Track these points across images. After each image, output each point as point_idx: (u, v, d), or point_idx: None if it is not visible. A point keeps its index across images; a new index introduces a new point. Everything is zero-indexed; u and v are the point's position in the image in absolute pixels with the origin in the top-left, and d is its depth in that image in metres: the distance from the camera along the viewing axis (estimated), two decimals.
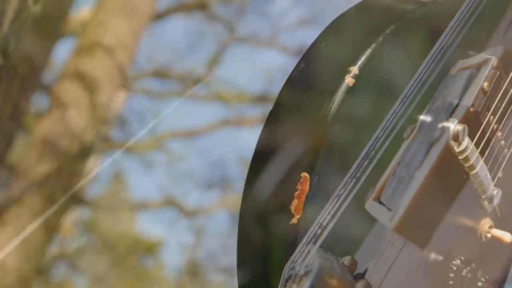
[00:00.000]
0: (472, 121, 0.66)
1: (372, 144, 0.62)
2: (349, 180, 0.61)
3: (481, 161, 0.67)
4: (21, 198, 2.28)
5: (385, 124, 0.63)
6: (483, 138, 0.67)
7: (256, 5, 3.18)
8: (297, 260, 0.59)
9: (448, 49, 0.64)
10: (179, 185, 3.00)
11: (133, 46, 2.45)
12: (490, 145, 0.68)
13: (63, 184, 2.33)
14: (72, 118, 2.31)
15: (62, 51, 2.40)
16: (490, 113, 0.67)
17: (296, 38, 3.22)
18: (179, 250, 3.05)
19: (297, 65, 0.68)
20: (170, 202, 2.95)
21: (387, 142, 0.62)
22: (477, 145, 0.67)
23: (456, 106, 0.57)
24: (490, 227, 0.70)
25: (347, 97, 0.62)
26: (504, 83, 0.68)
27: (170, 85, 3.15)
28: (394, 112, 0.63)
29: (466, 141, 0.65)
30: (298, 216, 0.58)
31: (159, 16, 2.92)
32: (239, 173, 3.02)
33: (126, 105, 2.79)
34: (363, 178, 0.61)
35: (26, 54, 2.21)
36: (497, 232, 0.70)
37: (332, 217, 0.62)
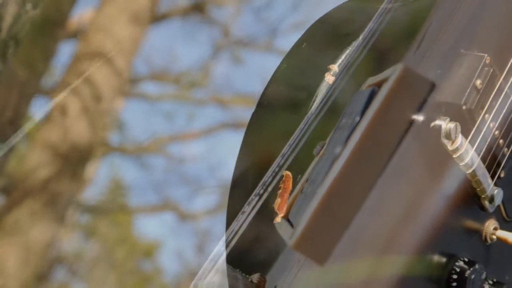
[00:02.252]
0: (466, 119, 0.66)
1: (278, 161, 0.63)
2: (253, 197, 0.62)
3: (478, 159, 0.66)
4: (21, 203, 2.28)
5: (292, 142, 0.63)
6: (479, 136, 0.67)
7: (252, 9, 3.18)
8: (202, 278, 0.60)
9: (352, 66, 0.64)
10: (177, 189, 3.00)
11: (133, 51, 2.45)
12: (487, 143, 0.67)
13: (63, 188, 2.33)
14: (71, 122, 2.31)
15: (62, 56, 2.39)
16: (484, 111, 0.67)
17: (293, 41, 3.22)
18: (177, 254, 3.04)
19: (279, 66, 0.68)
20: (168, 206, 2.95)
21: (290, 159, 0.63)
22: (472, 143, 0.66)
23: (358, 123, 0.57)
24: (495, 228, 0.70)
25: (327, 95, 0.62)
26: (498, 81, 0.68)
27: (168, 88, 3.15)
28: (300, 129, 0.63)
29: (460, 139, 0.64)
30: (282, 215, 0.58)
31: (156, 19, 2.92)
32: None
33: (124, 109, 2.79)
34: (265, 195, 0.62)
35: (25, 59, 2.21)
36: (503, 234, 0.69)
37: (236, 234, 0.63)
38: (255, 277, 0.65)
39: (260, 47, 3.22)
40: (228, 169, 3.11)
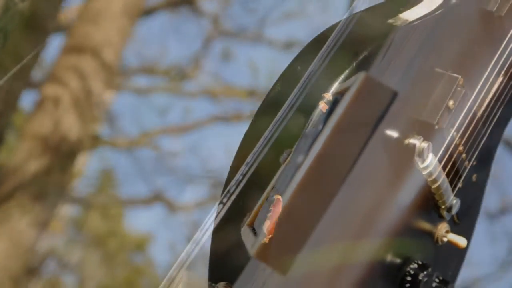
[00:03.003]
0: (436, 137, 0.69)
1: (243, 169, 0.64)
2: (218, 205, 0.63)
3: (443, 175, 0.70)
4: (11, 195, 2.28)
5: (256, 149, 0.64)
6: (446, 153, 0.70)
7: (241, 0, 3.18)
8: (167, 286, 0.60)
9: (315, 73, 0.65)
10: (168, 181, 3.00)
11: (121, 44, 2.45)
12: (453, 159, 0.71)
13: (53, 181, 2.33)
14: (61, 115, 2.31)
15: (51, 48, 2.39)
16: (454, 129, 0.70)
17: (283, 32, 3.23)
18: (168, 246, 3.05)
19: (273, 87, 0.69)
20: (159, 198, 2.95)
21: (254, 166, 0.64)
22: (440, 159, 0.69)
23: (320, 131, 0.58)
24: (447, 231, 0.73)
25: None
26: (468, 101, 0.71)
27: (157, 81, 3.15)
28: (265, 137, 0.64)
29: (430, 157, 0.67)
30: (270, 236, 0.58)
31: (145, 12, 2.92)
32: (228, 168, 3.03)
33: (114, 102, 2.79)
34: (229, 204, 0.63)
35: (14, 51, 2.20)
36: (453, 237, 0.73)
37: (198, 243, 0.63)
38: (221, 285, 0.66)
39: (250, 38, 3.22)
40: (218, 162, 3.11)
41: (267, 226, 0.57)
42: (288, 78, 0.67)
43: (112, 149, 2.89)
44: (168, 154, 2.98)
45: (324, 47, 0.66)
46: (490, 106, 0.73)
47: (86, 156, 2.71)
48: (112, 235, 2.90)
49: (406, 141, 0.66)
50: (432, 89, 0.70)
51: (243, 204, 0.66)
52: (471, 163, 0.74)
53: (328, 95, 0.64)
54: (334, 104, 0.60)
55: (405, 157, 0.67)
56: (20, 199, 2.31)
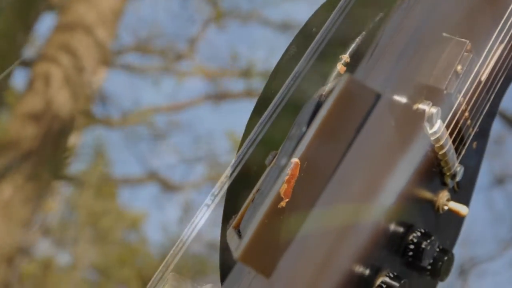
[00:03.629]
0: (444, 103, 0.69)
1: (230, 171, 0.64)
2: (204, 206, 0.63)
3: (450, 142, 0.70)
4: (3, 174, 2.28)
5: (242, 150, 0.64)
6: (454, 119, 0.70)
7: None
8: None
9: (303, 70, 0.65)
10: (162, 160, 3.00)
11: (114, 22, 2.44)
12: (459, 125, 0.71)
13: (45, 160, 2.33)
14: (53, 93, 2.31)
15: (43, 27, 2.38)
16: (461, 95, 0.70)
17: (280, 12, 3.22)
18: (163, 225, 3.05)
19: (287, 49, 0.68)
20: (153, 177, 2.95)
21: (239, 168, 0.64)
22: (447, 126, 0.69)
23: (304, 134, 0.58)
24: (448, 200, 0.73)
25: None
26: (475, 66, 0.71)
27: (152, 61, 3.14)
28: (250, 139, 0.64)
29: (439, 123, 0.67)
30: (287, 200, 0.58)
31: None
32: (224, 148, 3.02)
33: (107, 81, 2.78)
34: (213, 206, 0.63)
35: (5, 30, 2.20)
36: (454, 205, 0.73)
37: (184, 243, 0.63)
38: (207, 287, 0.66)
39: (246, 18, 3.21)
40: (213, 141, 3.11)
41: (284, 189, 0.58)
42: (302, 38, 0.66)
43: (105, 127, 2.88)
44: (162, 133, 2.98)
45: (312, 44, 0.65)
46: (493, 73, 0.73)
47: (79, 134, 2.71)
48: (106, 214, 2.90)
49: (415, 106, 0.66)
50: (440, 54, 0.69)
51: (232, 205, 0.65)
52: (474, 130, 0.74)
53: (346, 57, 0.64)
54: (318, 105, 0.60)
55: (413, 122, 0.67)
56: (13, 178, 2.31)
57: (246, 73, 3.12)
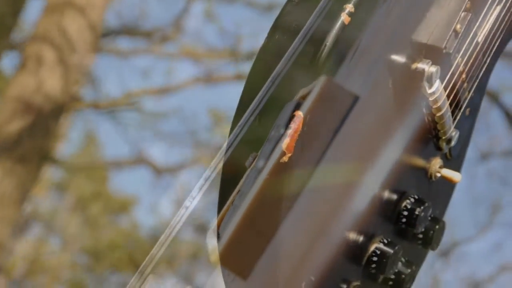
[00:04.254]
0: (444, 62, 0.67)
1: (206, 175, 0.62)
2: (182, 209, 0.61)
3: (447, 103, 0.67)
4: None
5: (221, 152, 0.63)
6: (452, 80, 0.68)
7: None
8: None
9: (281, 73, 0.63)
10: (151, 143, 3.00)
11: (103, 5, 2.43)
12: (456, 87, 0.68)
13: (35, 143, 2.32)
14: (43, 77, 2.29)
15: (33, 10, 2.37)
16: (460, 55, 0.68)
17: None
18: (153, 209, 3.05)
19: (288, 2, 0.65)
20: (143, 161, 2.95)
21: (218, 169, 0.62)
22: (445, 87, 0.67)
23: (281, 136, 0.58)
24: (440, 167, 0.71)
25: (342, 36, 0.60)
26: (474, 27, 0.68)
27: (139, 43, 3.13)
28: (229, 140, 0.63)
29: (437, 83, 0.65)
30: (289, 155, 0.56)
31: None
32: (213, 131, 3.02)
33: (96, 64, 2.77)
34: (192, 207, 0.61)
35: None
36: (447, 172, 0.71)
37: (163, 245, 0.62)
38: None
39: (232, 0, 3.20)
40: (201, 123, 3.10)
41: (286, 143, 0.56)
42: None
43: (95, 111, 2.87)
44: (151, 116, 2.97)
45: (291, 47, 0.63)
46: (490, 36, 0.71)
47: (70, 118, 2.70)
48: (96, 198, 2.90)
49: (414, 66, 0.64)
50: (439, 12, 0.67)
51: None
52: (470, 93, 0.71)
53: (350, 6, 0.61)
54: (295, 108, 0.59)
55: (411, 83, 0.65)
56: (3, 162, 2.30)
57: (233, 54, 3.12)
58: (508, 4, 0.73)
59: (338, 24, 0.60)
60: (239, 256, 0.57)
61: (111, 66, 2.91)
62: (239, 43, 3.15)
